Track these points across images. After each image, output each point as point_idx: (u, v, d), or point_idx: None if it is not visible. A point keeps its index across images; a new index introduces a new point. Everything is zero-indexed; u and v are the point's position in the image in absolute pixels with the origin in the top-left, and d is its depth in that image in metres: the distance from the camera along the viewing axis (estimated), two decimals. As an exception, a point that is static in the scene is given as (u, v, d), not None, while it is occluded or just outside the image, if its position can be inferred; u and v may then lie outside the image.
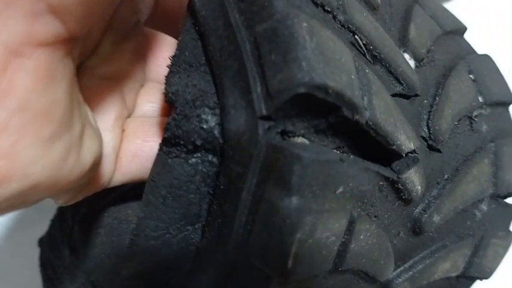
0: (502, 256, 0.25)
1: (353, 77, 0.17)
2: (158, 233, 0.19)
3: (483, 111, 0.24)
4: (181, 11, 0.25)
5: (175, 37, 0.27)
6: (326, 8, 0.18)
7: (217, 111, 0.18)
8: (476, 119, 0.23)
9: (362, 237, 0.18)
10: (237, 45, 0.18)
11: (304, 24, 0.16)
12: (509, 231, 0.25)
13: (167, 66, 0.21)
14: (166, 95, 0.19)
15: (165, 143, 0.19)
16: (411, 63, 0.22)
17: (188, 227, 0.19)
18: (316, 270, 0.17)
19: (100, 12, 0.17)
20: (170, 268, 0.20)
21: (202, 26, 0.20)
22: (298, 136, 0.17)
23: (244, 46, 0.17)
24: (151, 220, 0.19)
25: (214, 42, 0.19)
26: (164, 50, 0.25)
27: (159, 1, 0.26)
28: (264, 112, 0.16)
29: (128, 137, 0.22)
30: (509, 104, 0.25)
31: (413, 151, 0.19)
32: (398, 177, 0.19)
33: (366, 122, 0.17)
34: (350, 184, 0.17)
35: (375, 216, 0.19)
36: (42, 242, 0.29)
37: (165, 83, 0.20)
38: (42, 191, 0.16)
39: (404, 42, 0.22)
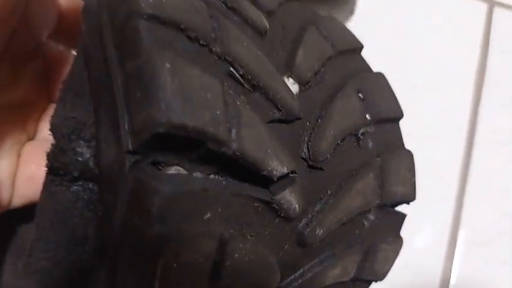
0: (393, 259, 0.27)
1: (218, 112, 0.18)
2: (49, 254, 0.21)
3: (368, 129, 0.25)
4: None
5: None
6: (201, 42, 0.20)
7: (93, 143, 0.20)
8: (361, 137, 0.25)
9: (236, 255, 0.20)
10: (110, 79, 0.19)
11: (167, 65, 0.17)
12: (399, 235, 0.27)
13: (59, 91, 0.22)
14: (50, 126, 0.21)
15: (49, 171, 0.20)
16: (295, 87, 0.23)
17: (78, 248, 0.21)
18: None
19: None
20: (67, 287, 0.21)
21: (86, 56, 0.21)
22: (171, 165, 0.18)
23: (117, 82, 0.19)
24: (41, 242, 0.21)
25: (94, 74, 0.20)
26: (68, 68, 0.26)
27: (62, 17, 0.26)
28: (130, 147, 0.17)
29: (24, 162, 0.23)
30: (399, 119, 0.27)
31: (289, 173, 0.21)
32: (272, 199, 0.20)
33: (234, 153, 0.18)
34: (219, 209, 0.18)
35: (251, 235, 0.20)
36: None
37: (52, 115, 0.21)
38: None
39: (289, 66, 0.23)
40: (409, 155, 0.27)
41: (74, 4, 0.27)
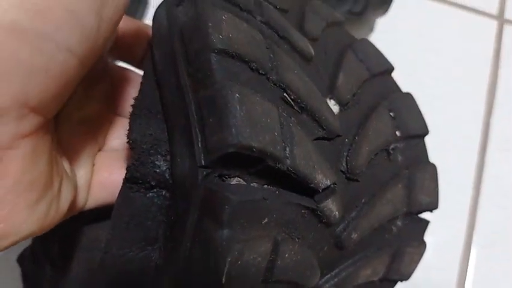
0: (417, 261, 0.30)
1: (276, 133, 0.21)
2: (123, 251, 0.24)
3: (398, 145, 0.28)
4: (138, 43, 0.30)
5: (135, 63, 0.31)
6: (261, 71, 0.23)
7: (168, 157, 0.23)
8: (392, 152, 0.28)
9: (286, 255, 0.23)
10: (185, 104, 0.22)
11: (237, 95, 0.20)
12: (423, 240, 0.30)
13: (132, 106, 0.25)
14: (128, 141, 0.24)
15: (127, 180, 0.24)
16: (336, 108, 0.26)
17: (148, 247, 0.24)
18: (247, 284, 0.22)
19: (70, 93, 0.20)
20: (136, 281, 0.25)
21: (159, 79, 0.24)
22: (234, 177, 0.22)
23: (191, 107, 0.22)
24: (117, 241, 0.24)
25: (168, 96, 0.24)
26: (131, 87, 0.30)
27: (119, 37, 0.30)
28: (203, 163, 0.21)
29: (98, 171, 0.26)
30: (424, 135, 0.30)
31: (331, 185, 0.24)
32: (317, 207, 0.23)
33: (287, 168, 0.22)
34: (274, 215, 0.22)
35: (298, 238, 0.23)
36: (22, 258, 0.34)
37: (128, 128, 0.24)
38: (30, 237, 0.20)
39: (331, 89, 0.27)
40: (433, 167, 0.30)
41: (131, 26, 0.30)
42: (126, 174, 0.24)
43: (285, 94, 0.23)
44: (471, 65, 0.59)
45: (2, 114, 0.17)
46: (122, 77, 0.30)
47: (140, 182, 0.23)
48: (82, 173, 0.25)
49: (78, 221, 0.28)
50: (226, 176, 0.22)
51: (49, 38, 0.17)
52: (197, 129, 0.21)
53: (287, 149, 0.22)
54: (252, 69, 0.23)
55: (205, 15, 0.22)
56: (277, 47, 0.25)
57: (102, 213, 0.27)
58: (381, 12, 0.53)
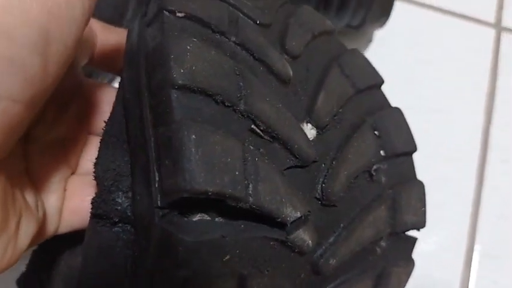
0: (405, 281, 0.29)
1: (237, 172, 0.21)
2: (95, 282, 0.24)
3: (382, 166, 0.28)
4: (119, 53, 0.29)
5: (115, 71, 0.31)
6: (227, 104, 0.22)
7: (130, 194, 0.23)
8: (374, 173, 0.27)
9: None
10: (145, 140, 0.22)
11: (193, 136, 0.20)
12: (410, 258, 0.29)
13: (102, 130, 0.25)
14: (93, 174, 0.24)
15: (93, 215, 0.24)
16: (313, 132, 0.26)
17: (119, 280, 0.24)
18: None
19: (19, 134, 0.19)
20: None
21: (125, 107, 0.24)
22: (196, 213, 0.22)
23: (150, 143, 0.22)
24: (88, 271, 0.24)
25: (132, 128, 0.23)
26: (105, 102, 0.29)
27: (96, 48, 0.29)
28: (159, 204, 0.21)
29: (70, 197, 0.26)
30: (412, 152, 0.29)
31: (302, 216, 0.23)
32: (287, 238, 0.23)
33: (250, 206, 0.21)
34: (237, 251, 0.22)
35: (268, 270, 0.23)
36: (19, 283, 0.34)
37: (96, 156, 0.24)
38: None
39: (309, 112, 0.26)
40: (420, 185, 0.29)
41: (111, 36, 0.30)
42: (91, 209, 0.24)
43: (253, 126, 0.23)
44: (469, 74, 0.58)
45: None
46: (97, 93, 0.29)
47: (105, 217, 0.23)
48: (52, 198, 0.25)
49: (52, 243, 0.28)
50: (188, 214, 0.21)
51: None
52: (155, 168, 0.21)
53: (250, 186, 0.21)
54: (216, 102, 0.22)
55: (168, 45, 0.22)
56: (249, 73, 0.24)
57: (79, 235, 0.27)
58: (379, 25, 0.53)
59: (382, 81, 0.30)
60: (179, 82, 0.21)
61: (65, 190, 0.26)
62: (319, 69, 0.28)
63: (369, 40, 0.58)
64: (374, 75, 0.30)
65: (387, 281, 0.28)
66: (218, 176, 0.20)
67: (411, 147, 0.29)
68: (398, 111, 0.30)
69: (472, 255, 0.50)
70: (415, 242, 0.30)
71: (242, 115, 0.23)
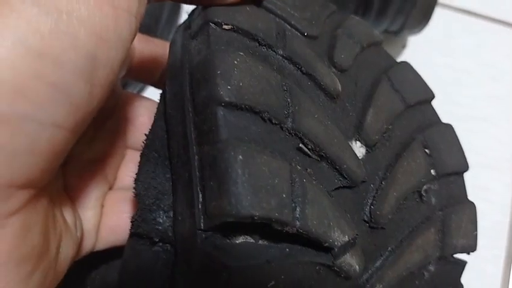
0: None
1: (284, 195, 0.20)
2: None
3: (432, 186, 0.26)
4: (156, 64, 0.29)
5: (154, 83, 0.30)
6: (274, 121, 0.21)
7: (171, 213, 0.22)
8: (424, 193, 0.26)
9: None
10: (189, 158, 0.21)
11: (240, 157, 0.19)
12: (459, 283, 0.28)
13: (143, 144, 0.24)
14: (133, 191, 0.23)
15: (133, 234, 0.23)
16: (362, 150, 0.25)
17: None
18: None
19: (63, 158, 0.19)
20: None
21: (168, 123, 0.23)
22: (240, 235, 0.21)
23: (194, 162, 0.21)
24: None
25: (174, 146, 0.23)
26: (142, 115, 0.28)
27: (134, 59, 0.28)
28: (202, 227, 0.20)
29: (107, 214, 0.25)
30: (463, 172, 0.28)
31: (350, 240, 0.22)
32: (334, 263, 0.22)
33: (297, 230, 0.20)
34: (282, 276, 0.20)
35: None
36: None
37: (137, 172, 0.24)
38: None
39: (358, 129, 0.25)
40: (472, 206, 0.28)
41: (148, 47, 0.29)
42: (131, 228, 0.23)
43: (301, 144, 0.22)
44: (506, 79, 0.57)
45: None
46: (135, 105, 0.29)
47: (145, 236, 0.23)
48: (90, 215, 0.25)
49: (93, 259, 0.27)
50: (231, 236, 0.20)
51: (31, 119, 0.16)
52: (198, 189, 0.20)
53: (297, 209, 0.20)
54: (264, 119, 0.21)
55: (214, 59, 0.21)
56: (297, 88, 0.23)
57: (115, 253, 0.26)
58: (417, 30, 0.51)
59: (433, 96, 0.28)
60: (226, 99, 0.20)
61: (102, 206, 0.26)
62: (368, 83, 0.27)
63: (404, 46, 0.56)
64: (424, 89, 0.28)
65: None
66: (265, 200, 0.19)
67: (463, 167, 0.27)
68: (449, 127, 0.28)
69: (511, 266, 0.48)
70: (464, 265, 0.28)
71: (289, 133, 0.22)
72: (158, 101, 0.26)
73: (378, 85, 0.27)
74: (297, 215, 0.20)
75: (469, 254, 0.28)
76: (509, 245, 0.49)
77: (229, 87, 0.20)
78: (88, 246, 0.24)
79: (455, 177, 0.27)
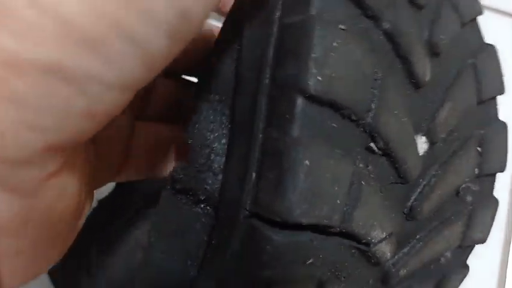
0: (457, 286, 0.30)
1: (338, 201, 0.19)
2: (166, 257, 0.23)
3: (471, 186, 0.26)
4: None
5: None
6: (352, 117, 0.20)
7: (220, 177, 0.21)
8: (461, 191, 0.26)
9: None
10: (252, 131, 0.19)
11: (306, 162, 0.18)
12: (466, 265, 0.29)
13: (196, 86, 0.24)
14: (184, 141, 0.22)
15: (175, 188, 0.23)
16: (425, 146, 0.24)
17: (189, 262, 0.23)
18: None
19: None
20: None
21: (240, 67, 0.21)
22: None
23: (257, 139, 0.19)
24: (161, 245, 0.23)
25: (240, 105, 0.21)
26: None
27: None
28: (248, 208, 0.20)
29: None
30: (500, 172, 0.28)
31: (387, 236, 0.23)
32: (369, 249, 0.22)
33: (339, 230, 0.20)
34: (321, 256, 0.20)
35: (344, 277, 0.22)
36: (53, 271, 0.33)
37: (191, 117, 0.22)
38: None
39: (429, 124, 0.24)
40: (496, 203, 0.28)
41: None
42: (176, 184, 0.22)
43: (371, 144, 0.21)
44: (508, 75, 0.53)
45: (30, 162, 0.14)
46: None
47: (190, 194, 0.22)
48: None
49: (113, 223, 0.27)
50: None
51: (98, 79, 0.13)
52: (253, 174, 0.19)
53: (346, 213, 0.20)
54: (343, 116, 0.20)
55: (313, 35, 0.18)
56: (387, 74, 0.21)
57: (138, 214, 0.26)
58: None
59: (504, 92, 0.27)
60: (311, 92, 0.18)
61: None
62: (454, 69, 0.25)
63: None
64: (499, 83, 0.27)
65: (446, 286, 0.28)
66: (318, 207, 0.19)
67: (502, 168, 0.27)
68: (504, 126, 0.28)
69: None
70: (472, 249, 0.29)
71: (364, 130, 0.20)
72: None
73: (462, 74, 0.25)
74: (345, 218, 0.20)
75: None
76: (505, 245, 0.51)
77: (319, 78, 0.18)
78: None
79: (490, 177, 0.28)
